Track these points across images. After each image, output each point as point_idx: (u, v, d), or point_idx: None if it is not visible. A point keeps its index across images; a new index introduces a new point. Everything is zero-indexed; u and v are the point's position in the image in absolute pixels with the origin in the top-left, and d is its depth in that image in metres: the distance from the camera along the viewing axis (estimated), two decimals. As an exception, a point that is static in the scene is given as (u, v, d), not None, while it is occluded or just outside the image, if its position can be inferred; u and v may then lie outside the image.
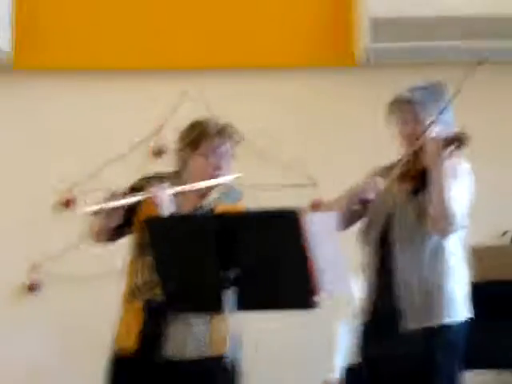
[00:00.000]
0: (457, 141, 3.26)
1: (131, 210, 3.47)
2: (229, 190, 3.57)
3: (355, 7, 5.33)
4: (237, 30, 5.37)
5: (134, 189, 3.51)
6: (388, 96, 3.52)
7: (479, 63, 3.37)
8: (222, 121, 3.59)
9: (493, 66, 5.31)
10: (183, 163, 3.59)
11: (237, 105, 5.18)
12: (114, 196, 3.38)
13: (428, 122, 3.33)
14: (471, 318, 3.38)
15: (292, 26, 5.39)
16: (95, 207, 3.34)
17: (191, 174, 3.53)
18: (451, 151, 3.26)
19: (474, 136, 5.30)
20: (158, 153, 5.18)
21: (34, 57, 5.32)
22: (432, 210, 3.24)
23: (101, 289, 5.13)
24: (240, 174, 3.56)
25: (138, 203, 3.47)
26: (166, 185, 3.45)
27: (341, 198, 3.49)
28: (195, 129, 3.54)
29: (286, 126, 5.35)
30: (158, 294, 3.24)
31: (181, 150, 3.58)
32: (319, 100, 5.39)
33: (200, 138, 3.50)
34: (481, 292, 4.00)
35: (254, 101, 5.35)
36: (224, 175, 3.52)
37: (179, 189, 3.49)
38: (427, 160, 3.28)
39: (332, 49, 5.38)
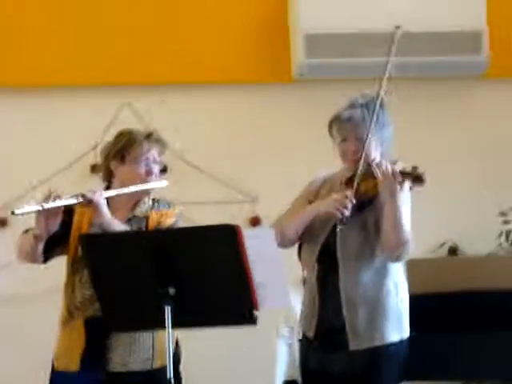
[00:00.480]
0: (413, 178, 3.27)
1: (65, 225, 3.42)
2: (160, 198, 3.56)
3: (290, 23, 5.37)
4: (173, 45, 5.37)
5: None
6: (323, 111, 3.53)
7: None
8: (147, 128, 3.61)
9: (423, 82, 5.45)
10: (111, 176, 3.55)
11: (173, 121, 5.17)
12: (52, 196, 3.30)
13: (367, 140, 3.33)
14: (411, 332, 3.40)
15: (228, 42, 5.41)
16: (34, 207, 3.26)
17: (122, 184, 3.50)
18: (407, 186, 3.27)
19: (411, 148, 5.40)
20: (97, 169, 5.14)
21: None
22: (387, 239, 3.26)
23: (33, 308, 5.06)
24: (166, 182, 3.55)
25: (70, 219, 3.44)
26: (100, 188, 3.43)
27: (297, 221, 3.44)
28: (122, 138, 3.53)
29: (222, 142, 5.36)
30: (98, 309, 3.20)
31: (108, 162, 3.55)
32: (256, 116, 5.41)
33: (128, 146, 3.48)
34: (418, 305, 4.04)
35: (191, 116, 5.35)
36: (154, 180, 3.50)
37: (114, 192, 3.46)
38: (382, 195, 3.28)
39: (268, 65, 5.40)
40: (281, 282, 2.92)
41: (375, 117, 3.36)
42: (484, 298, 4.29)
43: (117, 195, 3.46)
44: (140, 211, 3.50)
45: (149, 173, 3.49)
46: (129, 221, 3.48)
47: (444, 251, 5.36)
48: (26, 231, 3.41)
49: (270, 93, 5.41)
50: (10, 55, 5.28)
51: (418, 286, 4.40)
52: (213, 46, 5.40)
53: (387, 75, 3.44)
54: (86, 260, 3.08)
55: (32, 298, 5.06)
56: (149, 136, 3.51)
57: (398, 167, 3.30)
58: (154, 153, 3.51)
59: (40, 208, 3.26)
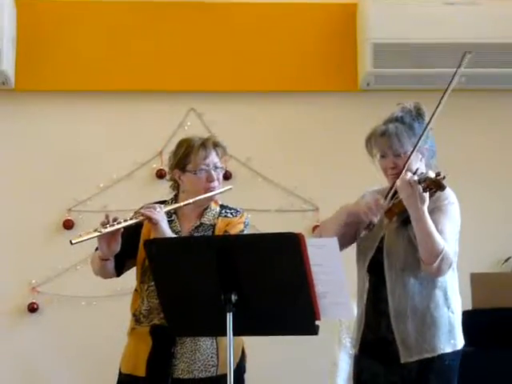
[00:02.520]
0: (433, 186, 3.17)
1: (132, 238, 3.47)
2: (227, 205, 3.59)
3: (358, 32, 5.36)
4: (241, 54, 5.40)
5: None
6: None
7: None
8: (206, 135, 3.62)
9: (493, 93, 5.40)
10: (178, 185, 3.59)
11: (239, 128, 5.20)
12: (108, 222, 3.34)
13: (406, 155, 3.29)
14: (467, 345, 3.35)
15: (295, 50, 5.42)
16: (91, 235, 3.30)
17: (187, 193, 3.53)
18: (428, 195, 3.17)
19: (475, 162, 5.36)
20: (162, 174, 5.19)
21: (36, 78, 5.33)
22: (421, 253, 3.19)
23: (100, 310, 5.13)
24: (231, 186, 3.57)
25: (139, 231, 3.48)
26: (157, 205, 3.45)
27: (331, 222, 3.43)
28: (180, 148, 3.55)
29: (286, 150, 5.36)
30: (163, 317, 3.23)
31: (172, 172, 3.59)
32: (321, 124, 5.40)
33: (186, 155, 3.50)
34: (480, 319, 3.99)
35: (257, 124, 5.36)
36: (217, 186, 3.51)
37: (173, 207, 3.50)
38: (404, 202, 3.22)
39: (334, 73, 5.40)
40: (342, 293, 2.90)
41: (411, 129, 3.33)
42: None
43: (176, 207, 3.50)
44: (207, 219, 3.53)
45: (210, 179, 3.50)
46: (196, 229, 3.51)
47: (509, 266, 5.28)
48: (97, 249, 3.46)
49: (335, 101, 5.40)
50: (77, 61, 5.36)
51: (481, 300, 4.36)
52: (280, 55, 5.41)
53: (445, 97, 3.36)
54: (150, 264, 3.11)
55: (97, 300, 5.13)
56: (205, 143, 3.52)
57: (420, 175, 3.22)
58: (212, 159, 3.51)
59: (97, 235, 3.31)
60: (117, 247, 3.40)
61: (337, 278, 2.87)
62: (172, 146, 3.70)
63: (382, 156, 3.37)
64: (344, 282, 2.89)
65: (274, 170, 5.30)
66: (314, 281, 2.85)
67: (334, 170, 5.35)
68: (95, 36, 5.37)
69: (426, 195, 3.18)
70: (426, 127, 3.31)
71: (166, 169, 3.72)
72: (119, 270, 3.55)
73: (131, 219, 3.38)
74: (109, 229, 3.31)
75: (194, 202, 3.48)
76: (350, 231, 3.41)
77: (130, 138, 5.32)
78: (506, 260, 5.27)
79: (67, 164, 5.28)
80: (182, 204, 3.50)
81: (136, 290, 3.54)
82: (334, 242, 2.92)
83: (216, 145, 3.54)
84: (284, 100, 5.38)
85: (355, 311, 3.41)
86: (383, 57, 5.21)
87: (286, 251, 2.85)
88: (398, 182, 3.22)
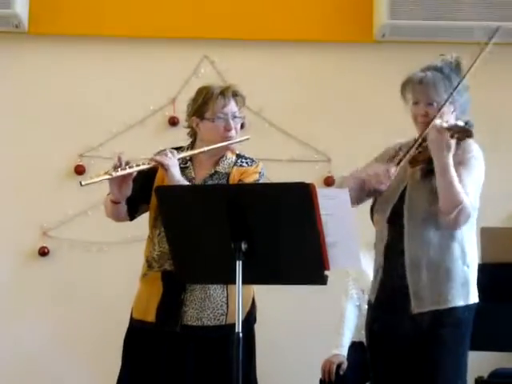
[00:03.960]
0: (461, 133, 3.18)
1: (147, 183, 3.47)
2: (244, 154, 3.58)
3: (374, -17, 5.31)
4: (257, 2, 5.36)
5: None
6: (403, 74, 3.49)
7: (489, 38, 3.34)
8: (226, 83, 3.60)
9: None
10: (194, 132, 3.59)
11: (252, 77, 5.16)
12: (120, 165, 3.33)
13: (439, 105, 3.29)
14: (480, 300, 3.36)
15: (311, 0, 5.37)
16: (101, 177, 3.29)
17: (203, 141, 3.53)
18: (454, 142, 3.18)
19: (493, 116, 5.30)
20: (174, 121, 5.18)
21: (50, 22, 5.30)
22: (441, 203, 3.20)
23: (111, 256, 5.16)
24: (248, 136, 3.56)
25: (154, 176, 3.48)
26: (170, 151, 3.45)
27: (349, 179, 3.43)
28: (199, 95, 3.54)
29: (300, 100, 5.34)
30: None
31: (190, 119, 3.58)
32: (335, 75, 5.37)
33: (205, 103, 3.49)
34: (489, 273, 4.00)
35: (270, 73, 5.33)
36: (234, 136, 3.51)
37: (187, 154, 3.50)
38: (430, 149, 3.24)
39: (349, 24, 5.35)
40: (352, 243, 2.90)
41: (449, 80, 3.32)
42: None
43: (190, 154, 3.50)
44: (222, 167, 3.53)
45: (227, 128, 3.49)
46: (211, 176, 3.51)
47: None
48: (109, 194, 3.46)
49: (350, 52, 5.36)
50: (91, 5, 5.32)
51: (491, 254, 4.36)
52: (295, 3, 5.37)
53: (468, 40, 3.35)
54: (161, 211, 3.12)
55: (108, 245, 5.17)
56: (225, 91, 3.51)
57: (449, 124, 3.23)
58: (231, 108, 3.51)
59: (107, 177, 3.29)
60: (128, 191, 3.40)
61: (347, 229, 2.87)
62: (185, 94, 3.69)
63: (415, 103, 3.37)
64: (354, 233, 2.89)
65: (286, 119, 5.29)
66: (323, 231, 2.85)
67: (347, 120, 5.33)
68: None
69: (453, 143, 3.18)
70: (462, 80, 3.30)
71: (180, 116, 3.70)
72: (132, 214, 3.56)
73: (143, 164, 3.37)
74: (120, 172, 3.30)
75: (208, 151, 3.48)
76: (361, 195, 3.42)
77: (142, 84, 5.30)
78: (516, 215, 5.28)
79: (79, 109, 5.27)
80: (196, 151, 3.50)
81: (148, 235, 3.55)
82: (345, 193, 2.92)
83: (235, 94, 3.53)
84: (298, 50, 5.34)
85: (364, 261, 3.42)
86: (399, 8, 5.16)
87: (297, 201, 2.85)
88: (428, 128, 3.23)
